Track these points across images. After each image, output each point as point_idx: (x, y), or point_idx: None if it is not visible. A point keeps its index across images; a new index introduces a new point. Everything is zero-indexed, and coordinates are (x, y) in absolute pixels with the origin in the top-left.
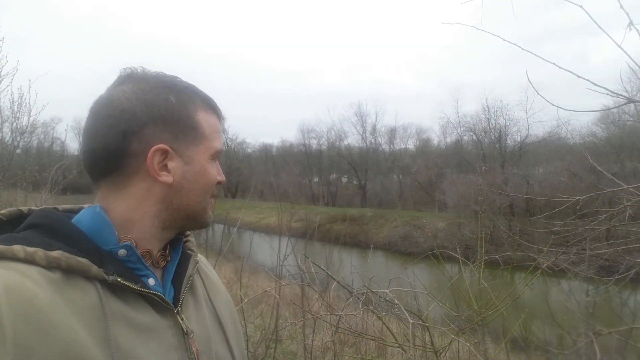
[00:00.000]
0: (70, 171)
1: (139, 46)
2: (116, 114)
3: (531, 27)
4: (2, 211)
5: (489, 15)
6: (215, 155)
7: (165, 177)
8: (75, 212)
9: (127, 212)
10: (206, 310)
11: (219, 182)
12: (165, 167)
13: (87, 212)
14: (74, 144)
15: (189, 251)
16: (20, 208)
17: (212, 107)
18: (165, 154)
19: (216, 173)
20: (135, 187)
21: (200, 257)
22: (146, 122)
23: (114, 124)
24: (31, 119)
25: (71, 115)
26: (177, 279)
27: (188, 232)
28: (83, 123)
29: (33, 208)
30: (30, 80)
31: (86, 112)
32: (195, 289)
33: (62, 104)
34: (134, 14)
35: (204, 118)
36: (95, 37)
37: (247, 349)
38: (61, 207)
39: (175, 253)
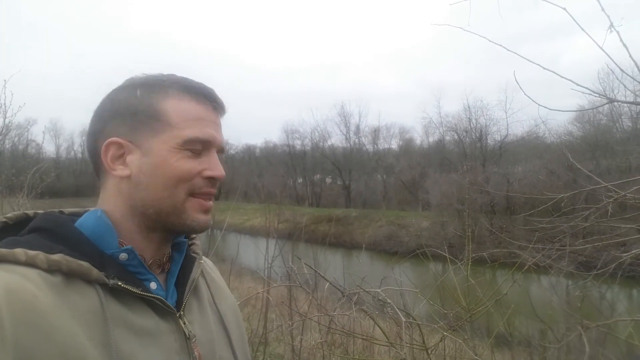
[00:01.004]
0: (48, 175)
1: (120, 44)
2: (92, 118)
3: (504, 29)
4: (9, 215)
5: (464, 16)
6: (189, 145)
7: (120, 171)
8: (80, 215)
9: (111, 214)
10: (210, 313)
11: (209, 177)
12: (124, 162)
13: (89, 216)
14: (50, 147)
15: (193, 254)
16: (26, 212)
17: (193, 94)
18: (121, 147)
19: (189, 165)
20: (109, 187)
21: (206, 260)
22: (107, 120)
23: (90, 127)
24: (7, 120)
25: (47, 117)
26: (181, 282)
27: (193, 235)
28: (59, 124)
29: (39, 211)
30: (5, 80)
31: (62, 114)
32: (199, 292)
33: (37, 105)
34: (116, 10)
35: (174, 106)
36: (70, 37)
37: None
38: (67, 210)
39: (179, 255)
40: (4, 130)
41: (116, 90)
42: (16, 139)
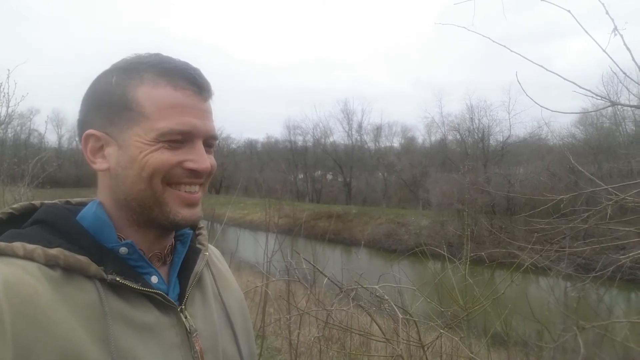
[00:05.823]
0: (50, 164)
1: (121, 36)
2: (79, 108)
3: (494, 30)
4: (15, 205)
5: (462, 15)
6: (163, 138)
7: (99, 164)
8: (86, 205)
9: (105, 207)
10: (215, 306)
11: (191, 169)
12: (103, 155)
13: (89, 208)
14: (53, 137)
15: (199, 245)
16: (33, 202)
17: (170, 77)
18: (98, 140)
19: (163, 156)
20: (99, 179)
21: (213, 249)
22: (88, 110)
23: (78, 117)
24: (10, 109)
25: (50, 107)
26: (184, 274)
27: (200, 225)
28: (61, 115)
29: (45, 202)
30: (9, 70)
31: (64, 104)
32: (203, 283)
33: (41, 95)
34: (118, 4)
35: (147, 93)
36: (72, 28)
37: None
38: (74, 200)
39: (182, 247)
40: (6, 119)
41: (99, 76)
42: (19, 128)
